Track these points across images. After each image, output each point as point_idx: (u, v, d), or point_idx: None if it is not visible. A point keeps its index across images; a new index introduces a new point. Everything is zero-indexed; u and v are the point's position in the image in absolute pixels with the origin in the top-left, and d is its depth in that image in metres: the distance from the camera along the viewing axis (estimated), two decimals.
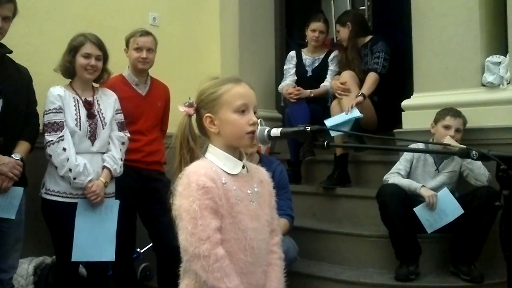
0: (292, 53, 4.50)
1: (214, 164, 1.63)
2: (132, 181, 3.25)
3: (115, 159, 3.02)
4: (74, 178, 2.83)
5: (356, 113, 3.66)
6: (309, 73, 4.39)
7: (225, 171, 1.63)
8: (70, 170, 2.82)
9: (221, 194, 1.57)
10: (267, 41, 4.88)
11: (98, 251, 2.92)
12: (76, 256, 2.85)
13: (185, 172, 1.60)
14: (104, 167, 2.98)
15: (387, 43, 3.95)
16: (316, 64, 4.39)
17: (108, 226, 2.95)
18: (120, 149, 3.07)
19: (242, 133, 1.62)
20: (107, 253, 2.95)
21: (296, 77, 4.39)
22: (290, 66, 4.44)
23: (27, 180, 2.84)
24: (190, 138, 1.67)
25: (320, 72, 4.34)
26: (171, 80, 3.72)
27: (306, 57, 4.43)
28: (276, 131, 1.58)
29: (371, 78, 3.85)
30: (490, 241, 2.97)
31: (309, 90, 4.16)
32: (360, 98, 3.72)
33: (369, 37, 4.10)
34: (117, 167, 3.02)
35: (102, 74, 3.06)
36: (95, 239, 2.89)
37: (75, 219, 2.86)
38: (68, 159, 2.82)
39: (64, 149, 2.82)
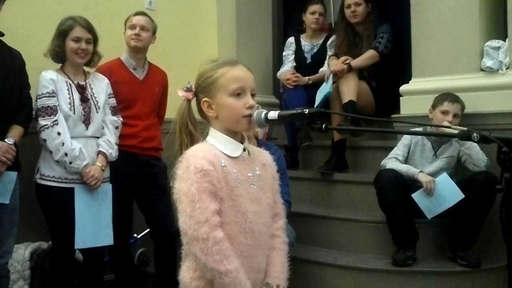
0: (291, 39, 4.47)
1: (214, 147, 1.63)
2: (129, 167, 3.24)
3: (110, 143, 3.00)
4: (70, 163, 2.81)
5: (327, 88, 3.67)
6: (309, 60, 4.37)
7: (225, 154, 1.62)
8: (66, 154, 2.80)
9: (220, 177, 1.57)
10: (264, 26, 4.84)
11: (98, 236, 2.93)
12: (79, 244, 2.85)
13: (184, 156, 1.59)
14: (99, 152, 2.96)
15: (391, 25, 3.91)
16: (315, 50, 4.37)
17: (105, 211, 2.96)
18: (114, 133, 3.06)
19: (239, 117, 1.61)
20: (106, 237, 2.96)
21: (295, 63, 4.37)
22: (289, 53, 4.43)
23: (20, 164, 2.82)
24: (189, 122, 1.67)
25: (319, 58, 4.31)
26: (167, 65, 3.69)
27: (305, 43, 4.41)
28: (273, 114, 1.57)
29: (368, 53, 3.83)
30: (487, 226, 2.97)
31: (308, 77, 4.14)
32: (344, 67, 3.69)
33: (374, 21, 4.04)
34: (113, 152, 3.00)
35: (92, 57, 3.04)
36: (95, 225, 2.89)
37: (73, 206, 2.84)
38: (63, 143, 2.80)
39: (59, 134, 2.80)
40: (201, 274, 1.59)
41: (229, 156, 1.63)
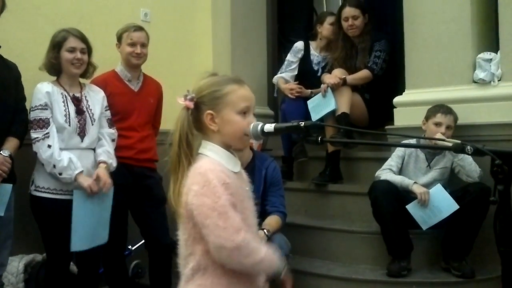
0: (300, 45, 4.29)
1: (220, 162, 1.63)
2: (124, 178, 3.23)
3: (110, 154, 3.01)
4: (60, 174, 2.80)
5: (331, 103, 3.68)
6: (320, 73, 4.20)
7: (228, 169, 1.63)
8: (54, 166, 2.79)
9: (234, 191, 1.58)
10: (259, 37, 4.86)
11: (94, 237, 2.91)
12: (75, 247, 2.82)
13: (198, 170, 1.57)
14: (100, 161, 2.96)
15: (389, 41, 3.93)
16: (325, 64, 4.23)
17: (104, 214, 2.94)
18: (111, 146, 3.06)
19: (242, 134, 1.64)
20: (101, 237, 2.95)
21: (296, 72, 4.25)
22: (294, 60, 4.26)
23: (15, 177, 2.81)
24: (189, 132, 1.65)
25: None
26: (162, 76, 3.70)
27: (315, 53, 4.28)
28: (269, 127, 1.58)
29: (363, 74, 3.84)
30: (481, 237, 2.99)
31: (310, 90, 4.07)
32: (339, 80, 3.70)
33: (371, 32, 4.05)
34: (113, 162, 3.02)
35: (88, 68, 3.05)
36: (92, 227, 2.88)
37: (68, 217, 2.82)
38: (52, 155, 2.79)
39: (49, 146, 2.79)
40: None
41: (231, 171, 1.64)
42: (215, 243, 1.51)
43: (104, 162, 2.97)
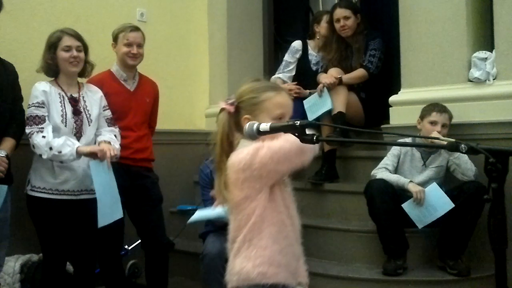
0: (298, 45, 4.25)
1: None
2: (121, 178, 3.22)
3: (115, 142, 3.00)
4: (60, 152, 2.75)
5: (327, 103, 3.69)
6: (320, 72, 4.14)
7: None
8: (51, 148, 2.75)
9: None
10: (255, 38, 4.87)
11: (113, 210, 2.91)
12: (102, 222, 2.81)
13: (245, 151, 1.64)
14: (103, 141, 2.95)
15: (383, 40, 3.93)
16: (322, 64, 4.20)
17: (114, 184, 2.93)
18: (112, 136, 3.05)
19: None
20: (118, 211, 2.95)
21: (294, 73, 4.22)
22: (292, 60, 4.23)
23: (12, 177, 2.81)
24: (230, 133, 1.76)
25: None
26: (158, 75, 3.71)
27: (313, 53, 4.27)
28: (265, 126, 1.58)
29: (359, 73, 3.83)
30: (476, 235, 3.00)
31: (308, 91, 4.05)
32: (335, 80, 3.70)
33: (365, 31, 4.06)
34: (118, 152, 2.97)
35: (85, 67, 3.04)
36: (111, 198, 2.88)
37: (64, 217, 2.84)
38: (47, 140, 2.77)
39: (44, 137, 2.77)
40: (263, 261, 1.66)
41: None
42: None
43: (108, 142, 2.95)
